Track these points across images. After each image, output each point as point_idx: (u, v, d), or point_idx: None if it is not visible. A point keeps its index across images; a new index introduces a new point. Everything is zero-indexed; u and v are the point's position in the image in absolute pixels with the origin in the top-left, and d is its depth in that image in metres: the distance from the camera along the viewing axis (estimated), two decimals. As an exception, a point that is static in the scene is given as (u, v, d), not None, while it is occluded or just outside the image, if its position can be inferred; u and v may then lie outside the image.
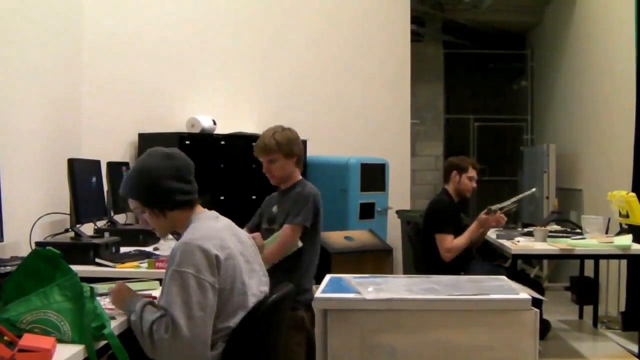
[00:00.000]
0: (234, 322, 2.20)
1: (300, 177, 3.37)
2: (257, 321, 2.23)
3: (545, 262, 7.45)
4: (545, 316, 4.76)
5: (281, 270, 3.12)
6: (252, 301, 2.24)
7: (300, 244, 3.20)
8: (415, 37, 8.15)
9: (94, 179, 3.68)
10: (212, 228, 2.25)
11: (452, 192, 4.69)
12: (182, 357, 2.05)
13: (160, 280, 2.79)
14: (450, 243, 4.45)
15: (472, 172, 4.68)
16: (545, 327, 4.83)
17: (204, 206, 2.42)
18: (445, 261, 4.44)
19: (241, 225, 2.51)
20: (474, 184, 4.71)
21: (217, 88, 5.56)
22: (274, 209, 3.34)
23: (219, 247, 2.16)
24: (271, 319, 2.30)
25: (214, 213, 2.37)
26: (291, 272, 3.16)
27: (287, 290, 2.40)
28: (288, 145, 3.26)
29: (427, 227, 4.61)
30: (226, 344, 2.16)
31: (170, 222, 2.31)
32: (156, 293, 2.60)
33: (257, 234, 3.09)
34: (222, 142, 5.07)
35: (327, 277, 2.98)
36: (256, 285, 2.31)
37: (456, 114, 9.43)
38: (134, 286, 2.65)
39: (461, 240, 4.49)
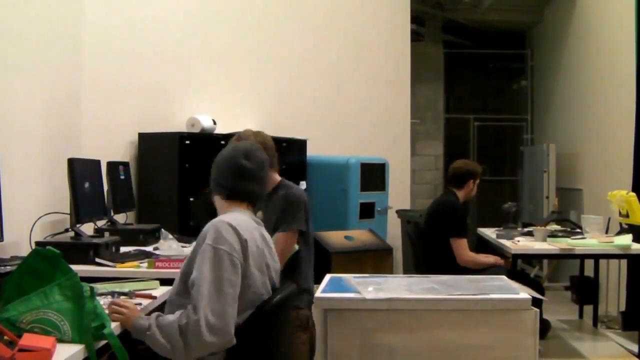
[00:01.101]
0: (241, 318, 2.21)
1: (280, 178, 3.34)
2: (262, 320, 2.23)
3: (545, 262, 7.45)
4: (545, 316, 4.76)
5: (282, 276, 3.11)
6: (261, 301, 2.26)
7: (296, 247, 3.18)
8: (415, 37, 8.15)
9: (94, 179, 3.68)
10: (244, 219, 2.30)
11: (460, 196, 4.70)
12: (215, 335, 2.03)
13: (160, 279, 2.79)
14: (473, 254, 4.50)
15: (479, 178, 4.74)
16: (545, 327, 4.83)
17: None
18: (461, 265, 4.45)
19: None
20: (474, 192, 4.77)
21: (217, 88, 5.56)
22: (259, 214, 3.30)
23: (248, 237, 2.21)
24: (276, 318, 2.31)
25: (251, 214, 2.42)
26: (291, 276, 3.09)
27: (291, 290, 2.40)
28: (264, 149, 3.25)
29: (435, 228, 4.60)
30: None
31: (227, 207, 2.39)
32: (156, 293, 2.60)
33: None
34: (222, 142, 5.07)
35: (327, 277, 2.99)
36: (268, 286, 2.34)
37: (456, 114, 9.44)
38: (134, 286, 2.65)
39: (487, 260, 4.52)
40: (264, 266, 2.31)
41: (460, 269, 4.43)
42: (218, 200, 2.43)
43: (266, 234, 2.44)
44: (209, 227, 2.19)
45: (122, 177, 4.11)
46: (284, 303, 2.32)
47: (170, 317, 2.10)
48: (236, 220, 2.23)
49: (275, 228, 3.15)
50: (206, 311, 2.03)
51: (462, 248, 4.48)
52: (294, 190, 3.25)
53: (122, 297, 2.46)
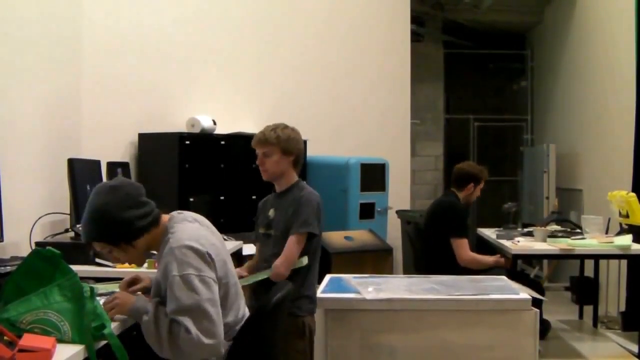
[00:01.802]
0: (232, 315, 2.22)
1: (297, 178, 3.28)
2: (261, 321, 2.23)
3: (545, 262, 7.45)
4: (545, 316, 4.76)
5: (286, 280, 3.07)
6: (241, 293, 2.29)
7: (305, 261, 3.07)
8: (415, 37, 8.15)
9: (94, 179, 3.68)
10: (192, 229, 2.23)
11: (461, 198, 4.70)
12: (203, 354, 2.07)
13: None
14: (474, 254, 4.49)
15: (483, 183, 4.72)
16: (545, 327, 4.82)
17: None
18: (462, 264, 4.45)
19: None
20: (476, 196, 4.75)
21: (217, 88, 5.56)
22: (271, 212, 3.20)
23: (207, 244, 2.17)
24: (273, 317, 2.31)
25: (183, 215, 2.31)
26: (293, 280, 2.99)
27: (287, 289, 2.40)
28: (287, 141, 3.16)
29: (435, 228, 4.60)
30: (231, 344, 2.17)
31: (141, 249, 2.24)
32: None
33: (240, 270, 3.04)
34: (222, 142, 5.07)
35: (327, 277, 2.99)
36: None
37: (456, 114, 9.43)
38: (119, 288, 2.64)
39: (487, 260, 4.52)
40: (227, 256, 2.32)
41: (460, 269, 4.43)
42: (148, 239, 2.22)
43: (208, 223, 2.38)
44: (168, 257, 2.11)
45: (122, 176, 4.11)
46: (280, 304, 2.32)
47: (165, 318, 2.09)
48: (188, 236, 2.16)
49: (286, 228, 3.09)
50: (197, 333, 2.03)
51: (462, 248, 4.48)
52: (308, 191, 3.17)
53: (105, 299, 2.45)
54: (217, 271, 2.17)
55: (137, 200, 2.20)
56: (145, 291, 2.43)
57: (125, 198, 2.18)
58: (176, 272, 2.08)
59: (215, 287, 2.12)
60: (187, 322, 2.03)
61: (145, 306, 2.13)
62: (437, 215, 4.66)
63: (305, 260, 3.05)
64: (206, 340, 2.03)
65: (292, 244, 3.05)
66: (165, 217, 2.28)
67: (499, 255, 4.60)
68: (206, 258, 2.13)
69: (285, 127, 3.20)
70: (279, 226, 3.13)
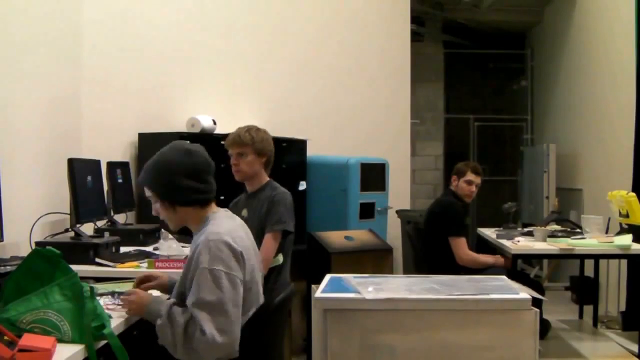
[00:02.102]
0: (244, 320, 2.22)
1: (268, 179, 3.34)
2: (265, 321, 2.23)
3: (545, 262, 7.45)
4: (545, 316, 4.76)
5: (280, 277, 3.10)
6: (260, 302, 2.28)
7: (281, 259, 3.14)
8: (415, 37, 8.15)
9: (94, 179, 3.68)
10: (232, 226, 2.26)
11: (458, 194, 4.72)
12: (217, 354, 2.06)
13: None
14: (472, 254, 4.50)
15: (470, 176, 4.70)
16: (545, 327, 4.83)
17: None
18: (461, 264, 4.46)
19: None
20: (473, 188, 4.72)
21: (217, 88, 5.56)
22: (244, 212, 3.28)
23: (241, 244, 2.19)
24: (276, 318, 2.31)
25: (228, 212, 2.39)
26: (267, 277, 3.04)
27: (290, 290, 2.40)
28: (261, 143, 3.27)
29: (434, 227, 4.61)
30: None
31: (180, 217, 2.30)
32: (156, 293, 2.60)
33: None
34: (222, 142, 5.06)
35: (327, 277, 2.98)
36: (261, 287, 2.35)
37: (456, 114, 9.44)
38: (133, 286, 2.65)
39: (486, 260, 4.53)
40: (256, 262, 2.32)
41: (460, 268, 4.43)
42: (191, 213, 2.28)
43: (247, 228, 2.42)
44: (202, 247, 2.12)
45: (120, 179, 4.11)
46: (284, 304, 2.33)
47: (181, 319, 2.08)
48: (227, 231, 2.18)
49: (260, 227, 3.15)
50: (215, 334, 2.02)
51: (460, 247, 4.49)
52: (280, 190, 3.26)
53: (122, 296, 2.46)
54: (246, 274, 2.17)
55: (199, 174, 2.25)
56: (161, 289, 2.44)
57: (192, 166, 2.24)
58: (206, 264, 2.08)
59: (241, 288, 2.12)
60: (204, 318, 2.02)
61: (159, 309, 2.13)
62: (436, 214, 4.69)
63: (280, 259, 3.14)
64: (220, 339, 2.02)
65: (269, 242, 3.14)
66: (214, 207, 2.32)
67: (498, 255, 4.60)
68: (239, 257, 2.14)
69: (258, 129, 3.32)
70: (253, 225, 3.14)
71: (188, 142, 2.35)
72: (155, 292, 2.55)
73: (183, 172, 2.23)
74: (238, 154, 3.26)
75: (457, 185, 4.72)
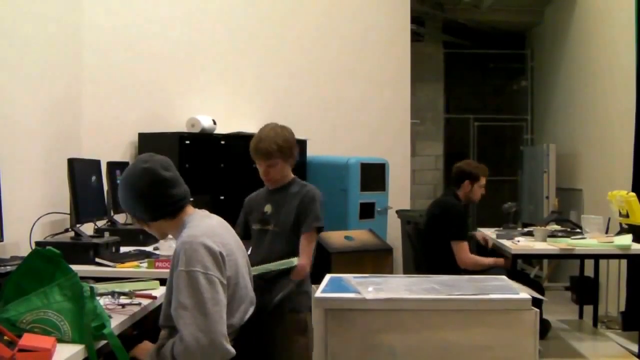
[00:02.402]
0: (238, 317, 2.22)
1: (292, 174, 3.29)
2: (263, 320, 2.23)
3: (545, 262, 7.45)
4: (545, 316, 4.76)
5: (281, 276, 3.06)
6: (251, 295, 2.26)
7: (296, 261, 3.04)
8: (415, 37, 8.15)
9: (94, 179, 3.68)
10: (209, 226, 2.26)
11: (461, 197, 4.70)
12: (210, 355, 2.04)
13: (160, 279, 2.79)
14: (474, 257, 4.50)
15: (483, 181, 4.70)
16: (545, 327, 4.82)
17: (203, 206, 2.41)
18: (462, 267, 4.45)
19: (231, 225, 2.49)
20: (483, 191, 4.73)
21: (217, 88, 5.56)
22: (267, 208, 3.20)
23: (220, 244, 2.17)
24: (276, 317, 2.31)
25: (205, 212, 2.37)
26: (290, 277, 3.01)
27: (290, 289, 2.40)
28: (289, 149, 3.15)
29: (434, 229, 4.60)
30: (233, 343, 2.16)
31: (157, 229, 2.34)
32: (156, 293, 2.60)
33: None
34: (222, 142, 5.07)
35: (327, 277, 2.98)
36: (250, 280, 2.35)
37: (456, 114, 9.43)
38: (134, 286, 2.65)
39: (487, 262, 4.53)
40: (241, 258, 2.31)
41: (460, 269, 4.43)
42: (159, 224, 2.32)
43: (231, 228, 2.41)
44: (179, 251, 2.13)
45: (119, 179, 4.10)
46: (284, 302, 2.33)
47: (166, 350, 2.09)
48: (203, 232, 2.18)
49: (292, 223, 3.09)
50: (197, 335, 2.01)
51: (462, 251, 4.48)
52: (309, 188, 3.17)
53: (122, 297, 2.46)
54: (228, 271, 2.16)
55: (157, 191, 2.25)
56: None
57: (148, 186, 2.25)
58: (183, 267, 2.08)
59: (220, 287, 2.10)
60: (185, 323, 2.02)
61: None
62: (437, 216, 4.66)
63: (295, 261, 3.06)
64: (203, 340, 2.00)
65: (310, 241, 3.08)
66: (189, 210, 2.32)
67: (498, 259, 4.60)
68: (217, 257, 2.13)
69: (282, 129, 3.19)
70: (280, 221, 3.12)
71: (148, 155, 2.32)
72: None
73: (140, 193, 2.25)
74: (268, 166, 3.13)
75: (470, 190, 4.68)
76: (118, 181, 4.03)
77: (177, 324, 2.05)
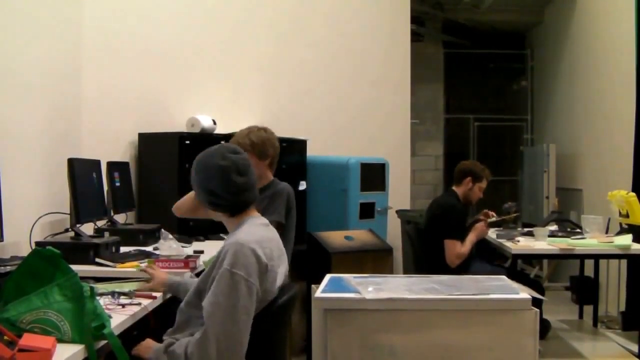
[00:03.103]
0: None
1: (272, 178, 3.29)
2: (268, 321, 2.22)
3: (545, 262, 7.45)
4: (545, 316, 4.76)
5: None
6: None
7: None
8: (415, 37, 8.15)
9: (94, 179, 3.68)
10: (264, 236, 2.27)
11: (460, 195, 4.71)
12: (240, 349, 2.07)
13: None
14: (460, 249, 4.50)
15: (484, 184, 4.74)
16: (545, 327, 4.83)
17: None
18: (452, 267, 4.46)
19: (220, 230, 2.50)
20: (482, 195, 4.76)
21: (217, 88, 5.56)
22: None
23: (269, 256, 2.20)
24: (280, 318, 2.30)
25: (264, 220, 2.39)
26: None
27: (295, 291, 2.39)
28: (262, 146, 3.17)
29: (434, 229, 4.61)
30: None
31: (215, 216, 2.37)
32: (156, 293, 2.60)
33: None
34: (222, 142, 5.06)
35: (327, 277, 2.98)
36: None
37: (456, 114, 9.44)
38: (135, 286, 2.65)
39: (466, 248, 4.54)
40: (280, 272, 2.31)
41: (460, 269, 4.43)
42: (222, 217, 2.37)
43: (275, 234, 2.41)
44: (229, 248, 2.15)
45: (119, 180, 4.10)
46: (289, 304, 2.32)
47: (179, 348, 2.11)
48: (257, 240, 2.20)
49: None
50: (219, 337, 2.03)
51: (451, 249, 4.50)
52: (283, 186, 3.22)
53: (122, 296, 2.46)
54: (264, 287, 2.17)
55: (225, 191, 2.27)
56: (159, 288, 2.56)
57: (222, 175, 2.27)
58: (228, 266, 2.10)
59: (255, 297, 2.12)
60: (216, 317, 2.04)
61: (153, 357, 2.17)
62: (436, 216, 4.68)
63: None
64: (224, 345, 2.03)
65: None
66: (251, 212, 2.36)
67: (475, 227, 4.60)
68: (262, 267, 2.15)
69: (259, 129, 3.21)
70: None
71: (231, 151, 2.36)
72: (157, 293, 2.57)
73: (209, 186, 2.29)
74: None
75: (470, 188, 4.70)
76: (117, 183, 4.04)
77: (206, 318, 2.07)
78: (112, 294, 2.47)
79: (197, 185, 2.33)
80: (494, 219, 4.79)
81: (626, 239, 4.32)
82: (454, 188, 4.78)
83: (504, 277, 2.98)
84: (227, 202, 2.30)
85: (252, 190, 2.35)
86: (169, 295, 2.66)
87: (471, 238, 4.60)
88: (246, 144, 3.13)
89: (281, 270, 2.30)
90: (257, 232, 2.26)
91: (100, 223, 3.91)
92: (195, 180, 2.33)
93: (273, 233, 2.38)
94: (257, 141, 3.15)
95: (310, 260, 4.73)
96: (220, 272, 2.11)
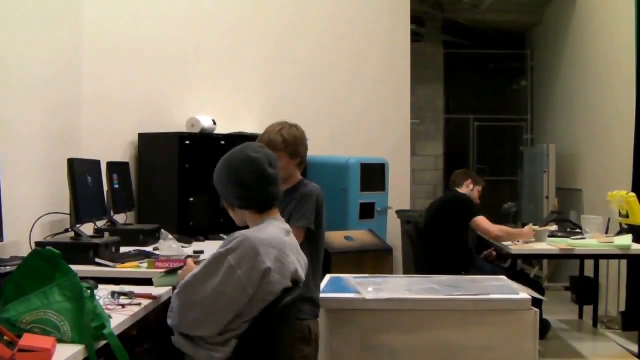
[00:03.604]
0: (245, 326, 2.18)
1: (300, 178, 3.21)
2: (268, 324, 2.19)
3: (545, 262, 7.45)
4: (545, 316, 4.76)
5: None
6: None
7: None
8: (415, 37, 8.15)
9: (94, 179, 3.67)
10: (278, 238, 2.24)
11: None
12: (193, 322, 2.12)
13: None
14: (501, 226, 4.52)
15: (480, 189, 4.80)
16: (545, 327, 4.83)
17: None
18: (493, 238, 4.49)
19: (241, 229, 2.43)
20: (478, 201, 4.79)
21: (217, 88, 5.56)
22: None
23: (274, 258, 2.16)
24: (282, 322, 2.25)
25: (286, 226, 2.37)
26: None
27: (298, 293, 2.33)
28: (295, 144, 3.05)
29: (442, 221, 4.63)
30: (238, 343, 2.15)
31: (239, 217, 2.36)
32: (156, 293, 2.60)
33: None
34: (222, 142, 5.07)
35: (327, 277, 2.98)
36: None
37: (456, 114, 9.44)
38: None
39: (518, 231, 4.56)
40: (289, 274, 2.25)
41: (460, 269, 4.43)
42: (248, 215, 2.34)
43: (293, 240, 2.39)
44: (234, 239, 2.15)
45: (119, 180, 4.10)
46: (290, 307, 2.26)
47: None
48: (269, 239, 2.19)
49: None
50: (173, 307, 2.14)
51: (485, 223, 4.49)
52: (309, 187, 3.02)
53: (122, 296, 2.46)
54: (261, 287, 2.13)
55: (251, 182, 2.27)
56: None
57: (245, 175, 2.27)
58: (224, 251, 2.12)
59: (233, 288, 2.09)
60: (186, 286, 2.13)
61: None
62: (449, 207, 4.71)
63: None
64: (173, 317, 2.13)
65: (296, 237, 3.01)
66: (274, 212, 2.35)
67: (530, 227, 4.57)
68: (259, 270, 2.11)
69: (291, 126, 3.08)
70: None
71: (259, 146, 2.37)
72: None
73: (240, 180, 2.28)
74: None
75: (472, 190, 4.76)
76: (116, 185, 4.03)
77: (180, 285, 2.16)
78: (112, 294, 2.47)
79: (225, 183, 2.30)
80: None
81: (626, 239, 4.32)
82: (457, 189, 4.79)
83: (504, 277, 2.99)
84: (259, 196, 2.29)
85: (279, 186, 2.35)
86: (169, 296, 2.66)
87: (524, 231, 4.57)
88: (278, 142, 2.99)
89: (288, 272, 2.24)
90: (271, 232, 2.24)
91: (100, 223, 3.91)
92: (223, 179, 2.31)
93: (290, 238, 2.34)
94: (290, 139, 3.00)
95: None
96: (222, 255, 2.12)
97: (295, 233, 2.89)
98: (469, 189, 4.73)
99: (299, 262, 2.33)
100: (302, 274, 2.34)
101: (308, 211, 2.91)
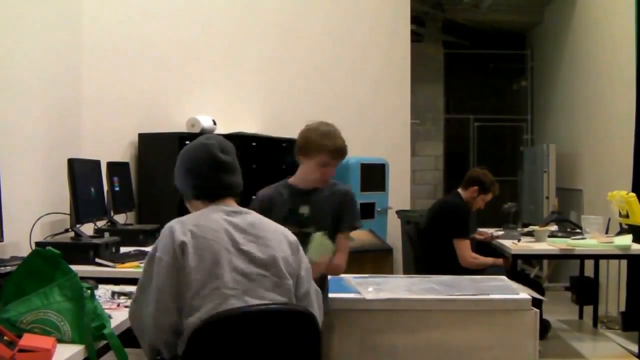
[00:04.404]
0: (197, 316, 1.99)
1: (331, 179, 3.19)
2: (223, 326, 1.99)
3: (545, 262, 7.45)
4: (545, 316, 4.76)
5: (320, 278, 2.75)
6: (230, 301, 2.03)
7: (333, 246, 2.86)
8: (415, 37, 8.15)
9: (94, 179, 3.68)
10: (202, 215, 2.15)
11: (464, 197, 4.70)
12: (139, 324, 2.10)
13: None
14: (475, 255, 4.49)
15: (489, 197, 4.72)
16: (545, 327, 4.83)
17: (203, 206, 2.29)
18: (469, 267, 4.44)
19: None
20: (483, 206, 4.75)
21: (217, 88, 5.56)
22: (303, 210, 2.96)
23: (190, 232, 2.06)
24: (286, 318, 2.08)
25: (236, 207, 2.23)
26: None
27: (281, 306, 2.08)
28: (305, 144, 3.13)
29: (440, 229, 4.59)
30: (186, 346, 1.97)
31: (195, 209, 2.26)
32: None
33: None
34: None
35: (327, 277, 2.98)
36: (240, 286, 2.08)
37: (456, 114, 9.44)
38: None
39: (486, 261, 4.52)
40: (237, 260, 2.07)
41: (460, 269, 4.43)
42: (198, 207, 2.24)
43: (247, 222, 2.19)
44: (161, 231, 2.15)
45: (119, 180, 4.10)
46: (269, 316, 2.05)
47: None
48: (186, 218, 2.13)
49: (336, 226, 2.94)
50: (132, 314, 2.11)
51: (464, 249, 4.48)
52: (348, 186, 3.06)
53: (122, 297, 2.46)
54: (189, 263, 2.01)
55: (206, 168, 2.22)
56: None
57: (193, 161, 2.25)
58: (151, 250, 2.11)
59: (157, 266, 2.03)
60: (131, 319, 2.13)
61: None
62: (441, 215, 4.67)
63: (333, 245, 2.88)
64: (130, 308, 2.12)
65: (348, 239, 3.00)
66: (228, 201, 2.24)
67: (497, 259, 4.60)
68: (174, 243, 2.03)
69: (327, 125, 3.17)
70: (321, 224, 2.91)
71: (215, 135, 2.34)
72: None
73: (189, 167, 2.25)
74: (336, 164, 3.05)
75: (474, 197, 4.68)
76: (117, 185, 4.04)
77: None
78: (112, 294, 2.47)
79: (178, 172, 2.28)
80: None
81: (626, 239, 4.32)
82: (459, 190, 4.77)
83: (504, 277, 2.99)
84: (209, 183, 2.21)
85: (235, 175, 2.26)
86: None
87: (490, 261, 4.57)
88: (297, 145, 3.06)
89: (219, 251, 2.06)
90: (196, 214, 2.18)
91: (100, 223, 3.91)
92: (178, 168, 2.28)
93: (240, 219, 2.17)
94: (300, 140, 3.06)
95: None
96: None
97: (349, 234, 2.94)
98: (472, 195, 4.68)
99: (257, 243, 2.14)
100: (266, 255, 2.13)
101: (358, 211, 3.04)
